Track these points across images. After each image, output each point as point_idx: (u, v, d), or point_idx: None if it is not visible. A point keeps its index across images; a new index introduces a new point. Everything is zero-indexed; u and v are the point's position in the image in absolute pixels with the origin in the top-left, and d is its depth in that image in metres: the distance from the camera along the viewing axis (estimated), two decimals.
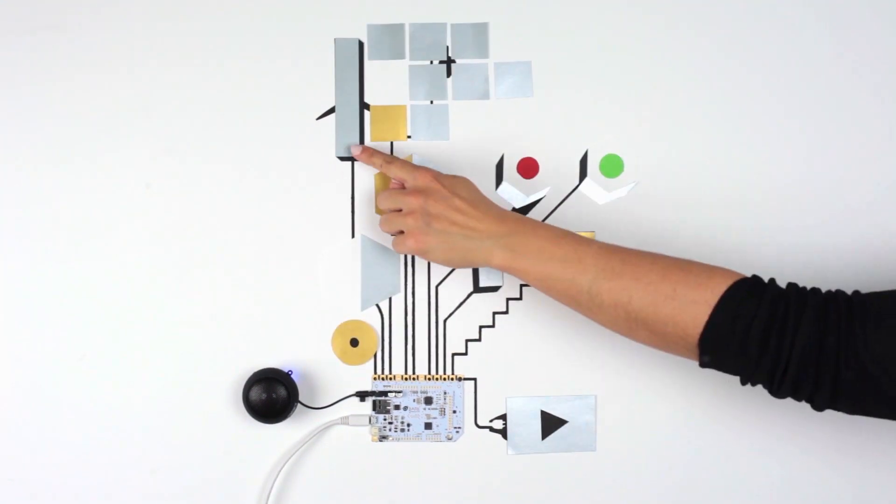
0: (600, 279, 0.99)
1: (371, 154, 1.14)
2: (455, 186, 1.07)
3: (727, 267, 0.98)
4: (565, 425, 1.17)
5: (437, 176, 1.07)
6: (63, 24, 1.17)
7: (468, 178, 1.09)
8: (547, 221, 1.17)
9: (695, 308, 0.94)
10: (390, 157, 1.14)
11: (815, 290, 0.95)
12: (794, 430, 1.16)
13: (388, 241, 1.17)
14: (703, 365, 0.97)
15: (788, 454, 1.16)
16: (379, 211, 1.17)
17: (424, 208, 1.06)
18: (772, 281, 0.96)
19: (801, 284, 0.97)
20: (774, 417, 1.16)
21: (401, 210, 1.08)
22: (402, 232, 1.08)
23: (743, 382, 0.96)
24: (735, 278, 0.95)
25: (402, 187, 1.11)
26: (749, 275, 0.97)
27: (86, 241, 1.17)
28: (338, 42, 1.18)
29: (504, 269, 1.04)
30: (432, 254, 1.06)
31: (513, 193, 1.17)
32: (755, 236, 1.16)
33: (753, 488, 1.16)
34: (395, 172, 1.12)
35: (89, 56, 1.17)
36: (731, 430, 1.16)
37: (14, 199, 1.17)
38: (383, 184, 1.17)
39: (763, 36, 1.17)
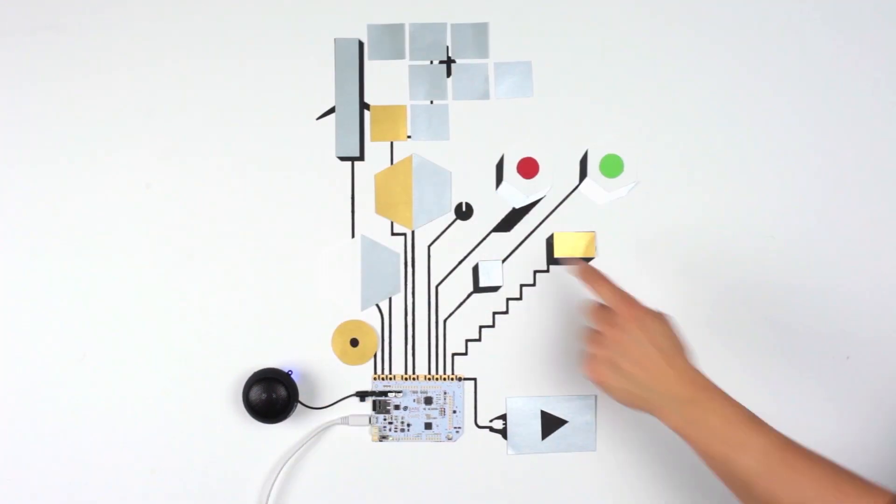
0: (757, 475, 0.98)
1: (589, 273, 1.09)
2: (656, 335, 1.03)
3: (878, 483, 0.96)
4: (565, 425, 1.17)
5: (638, 316, 1.03)
6: (63, 24, 1.17)
7: (670, 317, 1.05)
8: (548, 220, 1.17)
9: None
10: (600, 277, 1.08)
11: None
12: (794, 430, 1.16)
13: (386, 240, 1.17)
14: None
15: None
16: (382, 212, 1.17)
17: (617, 348, 1.03)
18: None
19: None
20: (775, 417, 1.16)
21: (598, 331, 1.05)
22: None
23: None
24: (888, 499, 0.94)
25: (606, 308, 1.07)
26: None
27: (86, 240, 1.17)
28: (338, 42, 1.18)
29: (674, 430, 1.02)
30: (608, 390, 1.04)
31: (513, 193, 1.17)
32: (755, 236, 1.16)
33: None
34: (602, 294, 1.07)
35: (89, 56, 1.17)
36: None
37: (14, 199, 1.17)
38: (384, 184, 1.17)
39: (763, 36, 1.17)
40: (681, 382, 1.02)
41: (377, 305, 1.18)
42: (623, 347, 1.03)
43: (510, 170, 1.18)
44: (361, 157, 1.18)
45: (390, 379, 1.18)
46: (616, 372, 1.03)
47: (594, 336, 1.05)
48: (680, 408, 1.01)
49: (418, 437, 1.18)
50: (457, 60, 1.18)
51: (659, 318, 1.05)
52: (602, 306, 1.07)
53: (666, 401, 1.02)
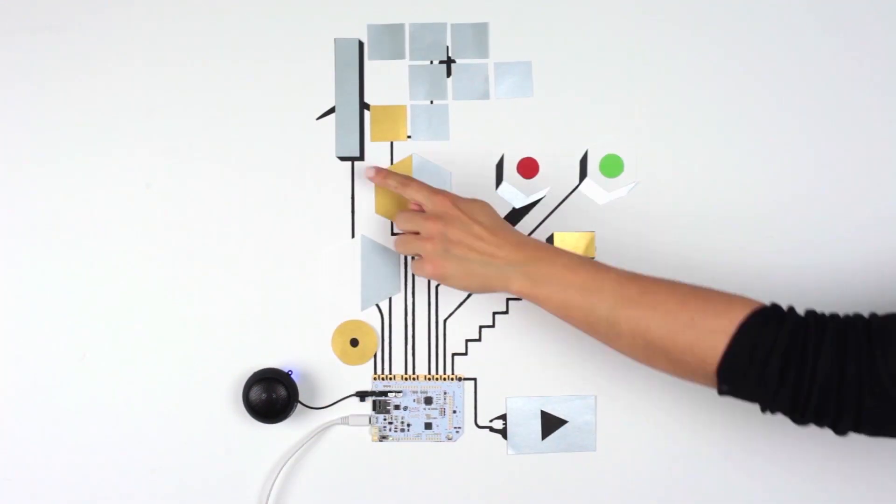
0: (618, 308, 0.98)
1: (385, 176, 1.12)
2: (474, 212, 1.05)
3: (742, 294, 0.97)
4: (565, 425, 1.17)
5: (455, 201, 1.06)
6: (63, 24, 1.17)
7: (486, 201, 1.08)
8: (548, 220, 1.17)
9: (713, 337, 0.93)
10: (406, 179, 1.11)
11: (834, 317, 0.94)
12: (794, 430, 1.16)
13: (388, 241, 1.17)
14: (721, 393, 0.96)
15: (788, 455, 1.16)
16: (379, 209, 1.17)
17: (443, 234, 1.04)
18: (791, 309, 0.95)
19: (818, 309, 0.96)
20: (775, 418, 1.16)
21: (418, 233, 1.07)
22: (418, 255, 1.08)
23: (763, 410, 0.95)
24: (753, 307, 0.94)
25: (419, 209, 1.09)
26: (768, 303, 0.96)
27: (86, 240, 1.17)
28: (338, 42, 1.18)
29: (523, 296, 1.03)
30: (450, 280, 1.05)
31: (513, 193, 1.17)
32: (755, 236, 1.16)
33: (753, 489, 1.16)
34: (412, 195, 1.09)
35: (89, 56, 1.17)
36: (732, 430, 1.16)
37: (14, 199, 1.17)
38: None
39: (763, 36, 1.17)
40: (515, 248, 1.03)
41: (377, 305, 1.18)
42: (448, 233, 1.04)
43: (510, 170, 1.18)
44: (361, 157, 1.18)
45: (390, 379, 1.18)
46: (450, 259, 1.04)
47: (415, 237, 1.07)
48: (523, 271, 1.02)
49: (418, 437, 1.18)
50: (457, 60, 1.18)
51: (474, 199, 1.07)
52: (409, 211, 1.09)
53: (507, 270, 1.03)
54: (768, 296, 1.16)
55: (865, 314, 0.95)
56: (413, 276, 1.18)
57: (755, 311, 0.94)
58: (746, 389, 0.94)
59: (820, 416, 0.92)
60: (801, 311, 0.96)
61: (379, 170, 1.13)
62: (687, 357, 0.95)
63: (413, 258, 1.10)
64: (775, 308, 0.95)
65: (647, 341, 0.97)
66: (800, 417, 0.93)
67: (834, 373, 0.90)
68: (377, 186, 1.17)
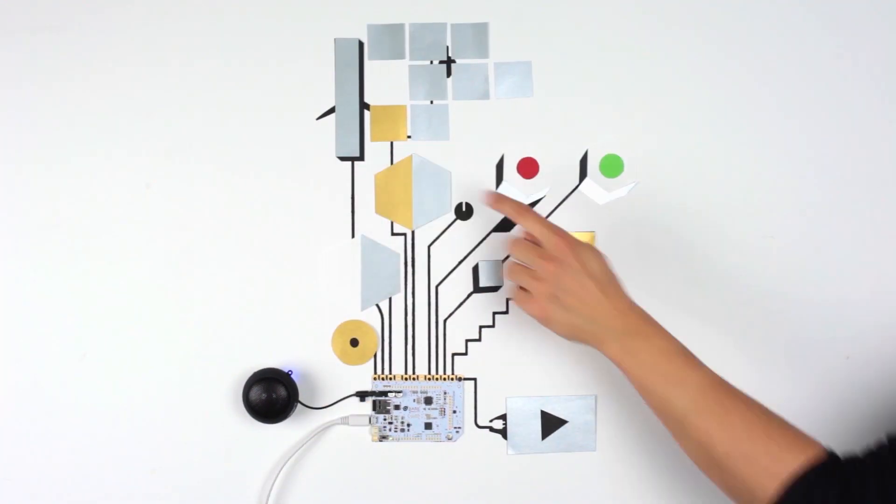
0: (692, 412, 0.98)
1: (502, 202, 1.10)
2: (589, 262, 1.04)
3: (807, 436, 0.96)
4: (565, 425, 1.17)
5: (573, 248, 1.04)
6: (63, 24, 1.17)
7: (599, 250, 1.06)
8: (549, 220, 1.18)
9: (767, 479, 0.94)
10: (522, 208, 1.09)
11: (881, 468, 0.94)
12: None
13: (386, 240, 1.17)
14: None
15: None
16: (379, 210, 1.17)
17: (557, 281, 1.03)
18: (848, 463, 0.95)
19: (869, 446, 0.96)
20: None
21: (528, 266, 1.06)
22: (526, 290, 1.06)
23: None
24: (810, 457, 0.94)
25: (534, 240, 1.07)
26: (827, 451, 0.95)
27: (86, 240, 1.17)
28: (338, 42, 1.18)
29: (613, 361, 1.03)
30: (552, 325, 1.05)
31: (513, 193, 1.17)
32: (755, 235, 1.16)
33: None
34: (529, 226, 1.07)
35: (89, 56, 1.17)
36: None
37: (14, 199, 1.17)
38: (384, 184, 1.17)
39: (763, 36, 1.17)
40: (619, 313, 1.03)
41: (377, 305, 1.18)
42: (561, 280, 1.04)
43: (510, 170, 1.18)
44: (361, 157, 1.18)
45: (390, 379, 1.18)
46: (558, 306, 1.04)
47: (528, 272, 1.06)
48: (619, 339, 1.02)
49: (418, 437, 1.18)
50: (457, 60, 1.18)
51: (589, 247, 1.06)
52: (528, 239, 1.08)
53: (606, 332, 1.03)
54: (769, 295, 1.17)
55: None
56: (413, 276, 1.18)
57: (812, 466, 0.93)
58: None
59: None
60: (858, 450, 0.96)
61: (498, 196, 1.11)
62: (739, 485, 0.96)
63: (518, 288, 1.08)
64: (832, 460, 0.95)
65: (710, 457, 0.97)
66: None
67: None
68: (377, 186, 1.17)
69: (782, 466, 0.94)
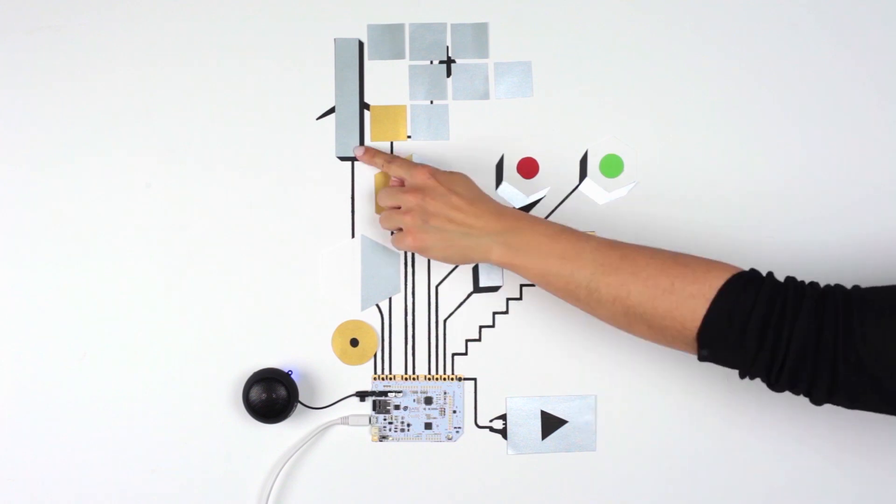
0: (599, 274, 0.99)
1: (373, 154, 1.15)
2: (452, 183, 1.07)
3: (721, 260, 0.99)
4: (565, 425, 1.17)
5: (434, 173, 1.08)
6: (63, 24, 1.17)
7: (466, 173, 1.10)
8: (548, 220, 1.17)
9: (693, 302, 0.95)
10: (391, 157, 1.15)
11: (814, 284, 0.95)
12: (794, 429, 1.16)
13: (388, 240, 1.17)
14: (701, 359, 0.97)
15: (788, 453, 1.16)
16: (379, 210, 1.17)
17: (422, 206, 1.06)
18: (769, 274, 0.97)
19: (799, 279, 0.97)
20: (774, 417, 1.16)
21: (399, 207, 1.09)
22: (401, 229, 1.09)
23: (741, 376, 0.97)
24: (733, 272, 0.96)
25: (402, 185, 1.11)
26: (747, 269, 0.97)
27: (86, 240, 1.17)
28: (338, 42, 1.18)
29: (503, 266, 1.05)
30: (431, 251, 1.07)
31: (513, 193, 1.17)
32: (755, 235, 1.16)
33: (754, 488, 1.16)
34: (395, 171, 1.13)
35: (89, 56, 1.17)
36: (732, 430, 1.16)
37: (14, 199, 1.17)
38: (384, 183, 1.17)
39: (763, 36, 1.17)
40: (494, 218, 1.05)
41: (377, 305, 1.18)
42: (428, 205, 1.06)
43: (510, 170, 1.18)
44: None
45: (390, 379, 1.18)
46: (430, 230, 1.06)
47: (397, 211, 1.09)
48: (501, 240, 1.04)
49: (418, 437, 1.18)
50: (457, 60, 1.18)
51: (454, 172, 1.09)
52: (390, 187, 1.12)
53: (486, 239, 1.04)
54: None
55: (847, 287, 0.95)
56: (413, 276, 1.18)
57: (734, 276, 0.95)
58: (725, 354, 0.95)
59: (795, 383, 0.93)
60: (781, 279, 0.97)
61: (367, 149, 1.16)
62: (667, 322, 0.96)
63: (393, 233, 1.11)
64: (754, 273, 0.97)
65: (627, 307, 0.98)
66: (775, 383, 0.94)
67: (810, 338, 0.91)
68: (377, 186, 1.17)
69: (705, 286, 0.95)
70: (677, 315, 0.95)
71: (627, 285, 0.98)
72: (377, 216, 1.17)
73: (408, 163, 1.12)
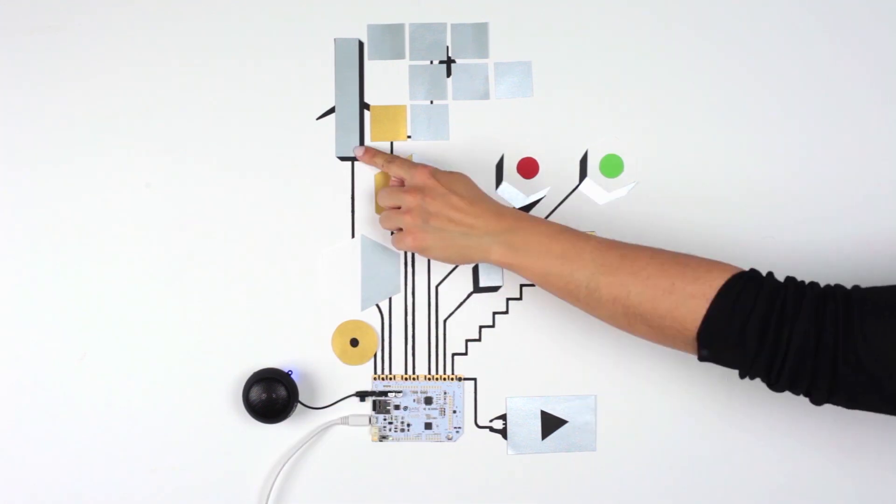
0: (598, 274, 0.99)
1: (373, 154, 1.15)
2: (452, 183, 1.07)
3: (721, 260, 0.99)
4: (565, 425, 1.17)
5: (434, 173, 1.08)
6: (63, 24, 1.17)
7: (466, 174, 1.10)
8: (549, 220, 1.17)
9: (693, 302, 0.95)
10: (391, 157, 1.15)
11: (814, 284, 0.95)
12: (794, 429, 1.16)
13: (388, 240, 1.17)
14: (701, 359, 0.97)
15: (789, 454, 1.16)
16: (379, 210, 1.17)
17: (422, 206, 1.06)
18: (769, 274, 0.97)
19: (799, 279, 0.97)
20: (775, 417, 1.16)
21: (399, 207, 1.09)
22: (401, 229, 1.09)
23: (741, 376, 0.97)
24: (733, 272, 0.96)
25: (402, 185, 1.11)
26: (747, 269, 0.97)
27: (86, 240, 1.17)
28: (338, 42, 1.18)
29: (503, 266, 1.05)
30: (431, 251, 1.07)
31: (513, 193, 1.17)
32: (755, 235, 1.16)
33: (754, 488, 1.16)
34: (395, 171, 1.13)
35: (89, 56, 1.17)
36: (732, 430, 1.16)
37: (14, 199, 1.17)
38: (384, 183, 1.17)
39: (763, 36, 1.17)
40: (494, 218, 1.05)
41: (377, 305, 1.18)
42: (428, 205, 1.06)
43: (510, 170, 1.18)
44: None
45: (390, 379, 1.18)
46: (430, 230, 1.06)
47: (397, 211, 1.09)
48: (501, 239, 1.04)
49: (418, 437, 1.18)
50: (457, 60, 1.18)
51: (453, 172, 1.09)
52: (390, 187, 1.12)
53: (486, 239, 1.04)
54: None
55: (848, 287, 0.95)
56: (413, 276, 1.18)
57: (734, 276, 0.95)
58: (726, 354, 0.95)
59: (795, 383, 0.93)
60: (781, 279, 0.97)
61: (367, 149, 1.16)
62: (667, 322, 0.96)
63: (393, 233, 1.11)
64: (754, 273, 0.97)
65: (627, 307, 0.98)
66: (775, 383, 0.94)
67: (810, 338, 0.91)
68: (377, 186, 1.17)
69: (705, 286, 0.95)
70: (677, 315, 0.95)
71: (627, 285, 0.98)
72: (377, 216, 1.17)
73: (408, 163, 1.12)
